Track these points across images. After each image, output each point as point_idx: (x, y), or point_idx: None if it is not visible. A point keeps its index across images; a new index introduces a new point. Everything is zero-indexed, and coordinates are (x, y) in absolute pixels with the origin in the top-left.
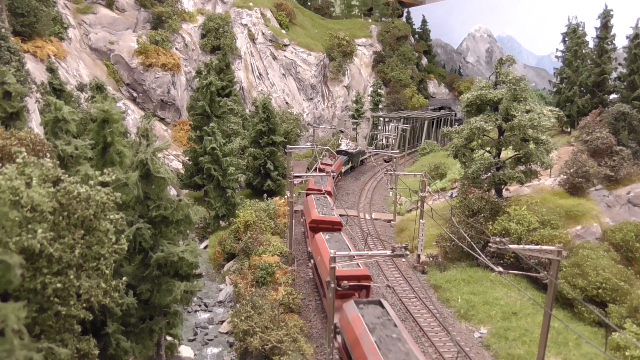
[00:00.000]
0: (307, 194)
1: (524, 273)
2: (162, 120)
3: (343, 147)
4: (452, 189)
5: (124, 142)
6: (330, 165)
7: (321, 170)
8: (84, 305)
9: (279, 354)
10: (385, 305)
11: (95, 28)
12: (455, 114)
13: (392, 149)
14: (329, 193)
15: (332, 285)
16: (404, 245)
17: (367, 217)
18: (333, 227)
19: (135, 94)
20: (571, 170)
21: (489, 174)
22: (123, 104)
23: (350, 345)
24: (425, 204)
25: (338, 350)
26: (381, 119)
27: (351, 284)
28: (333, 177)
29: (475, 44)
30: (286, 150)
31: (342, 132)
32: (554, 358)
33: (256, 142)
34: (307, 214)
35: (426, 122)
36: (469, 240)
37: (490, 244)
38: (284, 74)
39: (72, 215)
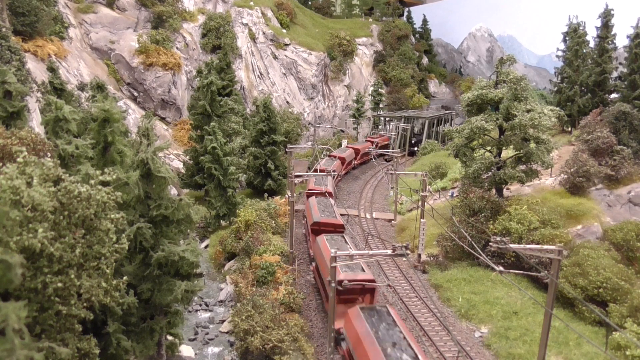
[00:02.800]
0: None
1: (525, 272)
2: (162, 119)
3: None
4: (453, 188)
5: (124, 142)
6: (376, 139)
7: (372, 143)
8: (85, 304)
9: (279, 354)
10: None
11: (95, 27)
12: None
13: (392, 149)
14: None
15: (333, 284)
16: (404, 244)
17: (368, 216)
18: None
19: (135, 94)
20: (572, 170)
21: (490, 173)
22: (124, 103)
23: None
24: (426, 203)
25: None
26: (382, 118)
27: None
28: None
29: (476, 43)
30: (287, 150)
31: (342, 131)
32: (555, 357)
33: (257, 141)
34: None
35: (427, 122)
36: (470, 239)
37: (490, 244)
38: (284, 74)
39: (73, 215)
